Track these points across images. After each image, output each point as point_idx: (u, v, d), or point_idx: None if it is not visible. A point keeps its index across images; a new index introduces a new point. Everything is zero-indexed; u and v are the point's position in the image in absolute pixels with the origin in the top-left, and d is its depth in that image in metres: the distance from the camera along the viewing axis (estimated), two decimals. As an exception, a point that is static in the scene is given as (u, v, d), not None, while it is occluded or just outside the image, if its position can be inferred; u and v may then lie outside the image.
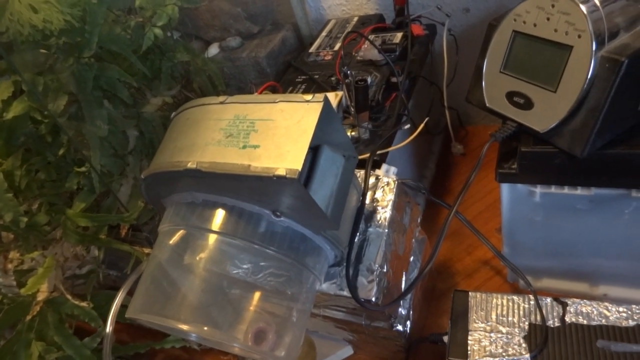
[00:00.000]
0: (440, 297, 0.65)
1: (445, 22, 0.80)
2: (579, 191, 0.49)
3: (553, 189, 0.50)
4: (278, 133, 0.35)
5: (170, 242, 0.46)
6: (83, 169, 0.48)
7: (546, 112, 0.46)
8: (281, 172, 0.32)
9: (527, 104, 0.48)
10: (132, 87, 0.52)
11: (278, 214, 0.39)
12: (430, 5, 0.84)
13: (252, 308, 0.47)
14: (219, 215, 0.40)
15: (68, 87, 0.44)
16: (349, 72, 0.58)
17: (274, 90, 0.61)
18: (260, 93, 0.60)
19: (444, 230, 0.50)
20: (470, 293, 0.57)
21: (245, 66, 0.81)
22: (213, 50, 0.83)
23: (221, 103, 0.39)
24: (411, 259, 0.56)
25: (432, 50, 0.82)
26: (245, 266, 0.50)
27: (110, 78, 0.48)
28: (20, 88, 0.44)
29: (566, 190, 0.49)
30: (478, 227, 0.61)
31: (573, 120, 0.45)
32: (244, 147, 0.35)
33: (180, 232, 0.48)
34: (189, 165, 0.35)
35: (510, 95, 0.49)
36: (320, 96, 0.35)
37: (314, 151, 0.40)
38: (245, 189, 0.37)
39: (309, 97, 0.36)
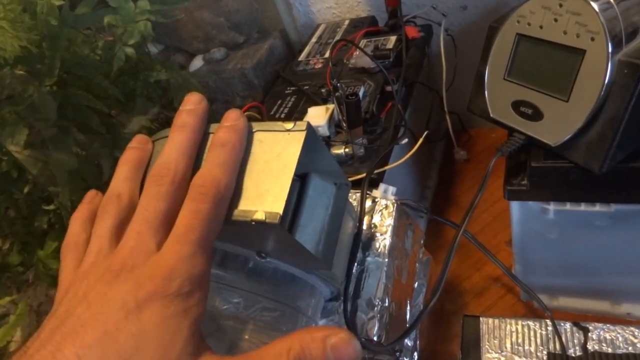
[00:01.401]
0: (448, 320, 0.61)
1: (441, 21, 0.76)
2: (598, 208, 0.44)
3: (568, 206, 0.45)
4: (256, 169, 0.31)
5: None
6: (52, 206, 0.44)
7: (558, 124, 0.42)
8: (260, 216, 0.28)
9: (536, 115, 0.43)
10: (104, 113, 0.47)
11: (263, 255, 0.35)
12: (425, 4, 0.80)
13: (247, 337, 0.44)
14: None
15: (29, 119, 0.40)
16: (338, 84, 0.53)
17: (258, 111, 0.57)
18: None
19: (451, 254, 0.45)
20: (481, 319, 0.52)
21: (232, 78, 0.77)
22: (197, 62, 0.79)
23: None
24: (415, 284, 0.52)
25: (428, 52, 0.78)
26: (235, 300, 0.46)
27: (78, 105, 0.44)
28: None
29: (583, 207, 0.45)
30: (486, 240, 0.57)
31: (589, 132, 0.40)
32: (219, 186, 0.31)
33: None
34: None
35: (517, 105, 0.45)
36: (302, 124, 0.31)
37: (301, 180, 0.36)
38: (226, 232, 0.32)
39: (289, 125, 0.31)
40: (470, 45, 0.78)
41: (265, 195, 0.29)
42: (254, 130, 0.32)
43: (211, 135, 0.31)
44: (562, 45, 0.40)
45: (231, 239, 0.34)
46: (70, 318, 0.21)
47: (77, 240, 0.27)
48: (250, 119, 0.33)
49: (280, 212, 0.28)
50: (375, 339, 0.42)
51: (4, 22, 0.37)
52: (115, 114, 0.50)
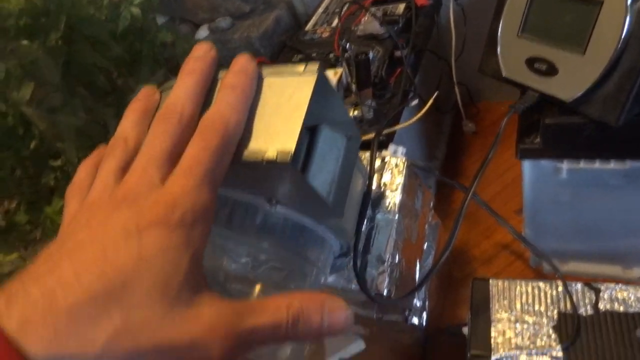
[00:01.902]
0: (457, 286, 0.61)
1: (451, -10, 0.74)
2: (612, 165, 0.44)
3: (582, 164, 0.45)
4: (267, 112, 0.30)
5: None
6: (59, 162, 0.43)
7: (573, 78, 0.41)
8: (271, 155, 0.28)
9: (551, 70, 0.43)
10: (110, 72, 0.47)
11: (274, 202, 0.34)
12: (434, -28, 0.78)
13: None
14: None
15: (34, 74, 0.40)
16: (347, 45, 0.53)
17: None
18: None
19: (461, 215, 0.45)
20: (491, 281, 0.52)
21: (238, 48, 0.76)
22: (202, 32, 0.78)
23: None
24: (425, 246, 0.52)
25: (437, 21, 0.76)
26: (243, 260, 0.46)
27: (83, 64, 0.43)
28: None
29: (597, 164, 0.44)
30: (496, 208, 0.56)
31: (605, 85, 0.39)
32: (229, 129, 0.30)
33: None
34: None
35: (531, 62, 0.44)
36: (313, 66, 0.30)
37: (311, 132, 0.35)
38: (234, 176, 0.32)
39: (301, 67, 0.31)
40: (480, 15, 0.76)
41: (276, 135, 0.29)
42: (264, 75, 0.32)
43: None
44: (579, -3, 0.39)
45: (240, 185, 0.33)
46: (70, 241, 0.21)
47: (81, 184, 0.27)
48: (260, 64, 0.32)
49: (292, 150, 0.27)
50: (385, 292, 0.42)
51: (9, -27, 0.36)
52: (121, 75, 0.49)
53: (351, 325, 0.26)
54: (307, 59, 0.69)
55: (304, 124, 0.29)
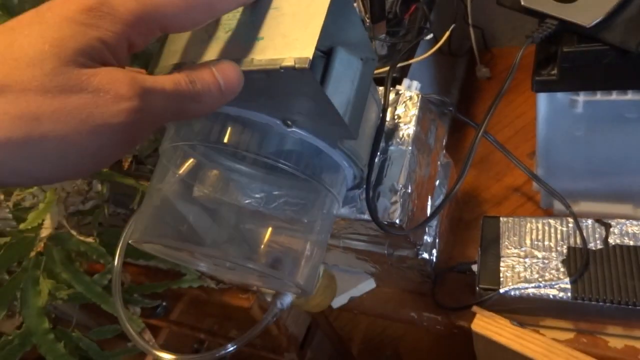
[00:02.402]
0: (467, 228, 0.61)
1: None
2: (630, 96, 0.43)
3: (599, 96, 0.44)
4: (284, 22, 0.30)
5: (178, 172, 0.43)
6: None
7: (593, 2, 0.40)
8: (289, 62, 0.28)
9: (571, -5, 0.41)
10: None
11: (289, 122, 0.34)
12: None
13: (267, 240, 0.44)
14: (223, 129, 0.36)
15: None
16: (362, -24, 0.51)
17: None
18: None
19: (472, 150, 0.45)
20: (501, 218, 0.52)
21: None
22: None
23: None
24: (437, 182, 0.52)
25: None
26: (257, 195, 0.46)
27: None
28: None
29: (614, 96, 0.43)
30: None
31: (627, 8, 0.38)
32: (245, 41, 0.30)
33: (189, 162, 0.44)
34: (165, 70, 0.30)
35: (551, -12, 0.43)
36: (332, -25, 0.30)
37: (327, 55, 0.35)
38: (250, 91, 0.32)
39: (318, -22, 0.30)
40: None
41: (294, 43, 0.28)
42: (280, -14, 0.31)
43: None
44: None
45: (256, 105, 0.34)
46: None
47: None
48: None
49: (310, 56, 0.27)
50: (397, 222, 0.42)
51: None
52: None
53: (242, 79, 0.28)
54: None
55: (322, 31, 0.28)
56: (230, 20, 0.32)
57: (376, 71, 0.50)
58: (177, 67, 0.30)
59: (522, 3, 0.46)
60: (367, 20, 0.52)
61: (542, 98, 0.47)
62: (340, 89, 0.34)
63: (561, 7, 0.42)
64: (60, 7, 0.21)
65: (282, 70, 0.28)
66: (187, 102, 0.25)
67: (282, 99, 0.32)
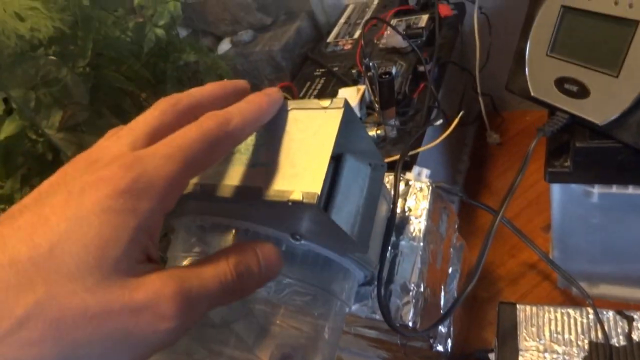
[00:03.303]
0: (482, 307, 0.59)
1: (475, -1, 0.73)
2: (647, 191, 0.42)
3: (614, 189, 0.43)
4: (292, 147, 0.30)
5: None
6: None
7: (606, 101, 0.39)
8: (297, 196, 0.27)
9: (582, 92, 0.41)
10: (135, 94, 0.47)
11: (297, 237, 0.34)
12: (458, -18, 0.77)
13: (278, 322, 0.43)
14: (231, 240, 0.35)
15: (63, 101, 0.40)
16: (371, 64, 0.52)
17: (288, 91, 0.56)
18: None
19: (488, 240, 0.44)
20: (518, 306, 0.51)
21: (259, 61, 0.76)
22: (224, 46, 0.78)
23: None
24: (450, 270, 0.51)
25: (461, 31, 0.75)
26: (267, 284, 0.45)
27: (110, 87, 0.43)
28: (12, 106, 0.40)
29: (630, 190, 0.42)
30: (521, 226, 0.54)
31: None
32: (254, 165, 0.30)
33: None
34: (188, 187, 0.30)
35: (561, 82, 0.43)
36: (339, 101, 0.30)
37: (335, 161, 0.35)
38: (258, 213, 0.32)
39: (326, 102, 0.30)
40: (506, 24, 0.75)
41: (302, 174, 0.28)
42: (289, 108, 0.31)
43: None
44: (613, 17, 0.38)
45: (264, 221, 0.33)
46: (17, 206, 0.19)
47: None
48: (285, 90, 0.32)
49: (318, 192, 0.27)
50: (410, 324, 0.41)
51: (38, 3, 0.37)
52: (146, 97, 0.49)
53: (282, 264, 0.26)
54: (328, 73, 0.68)
55: (330, 161, 0.28)
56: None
57: (386, 159, 0.50)
58: (199, 187, 0.30)
59: (532, 94, 0.46)
60: (377, 105, 0.52)
61: (556, 187, 0.47)
62: (349, 199, 0.34)
63: (572, 102, 0.42)
64: (96, 191, 0.19)
65: (290, 204, 0.27)
66: (230, 297, 0.23)
67: (289, 219, 0.32)
